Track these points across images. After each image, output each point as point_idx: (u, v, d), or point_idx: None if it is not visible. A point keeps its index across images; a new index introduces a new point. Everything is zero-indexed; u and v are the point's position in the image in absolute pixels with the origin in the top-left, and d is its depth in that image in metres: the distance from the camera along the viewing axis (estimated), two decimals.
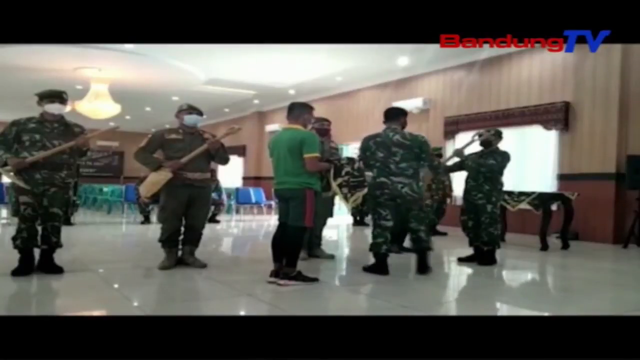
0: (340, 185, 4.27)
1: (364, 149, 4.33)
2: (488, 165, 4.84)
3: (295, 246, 3.77)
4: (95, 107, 11.22)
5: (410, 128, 10.89)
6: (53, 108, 3.81)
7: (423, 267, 4.22)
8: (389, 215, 4.19)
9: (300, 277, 3.70)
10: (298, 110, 3.84)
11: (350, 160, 4.82)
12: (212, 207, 8.24)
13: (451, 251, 5.74)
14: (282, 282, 3.64)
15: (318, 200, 4.31)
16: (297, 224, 3.69)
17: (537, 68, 8.00)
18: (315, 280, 3.78)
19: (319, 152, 3.76)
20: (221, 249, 6.25)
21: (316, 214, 4.72)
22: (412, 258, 5.25)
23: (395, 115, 4.37)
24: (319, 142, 3.86)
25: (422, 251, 4.24)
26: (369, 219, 9.56)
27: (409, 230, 4.32)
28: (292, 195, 3.72)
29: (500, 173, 4.92)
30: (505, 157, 4.93)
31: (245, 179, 15.97)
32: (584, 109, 7.36)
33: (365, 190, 4.43)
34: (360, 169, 4.45)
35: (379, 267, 4.17)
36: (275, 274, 3.75)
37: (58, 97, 3.82)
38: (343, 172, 4.29)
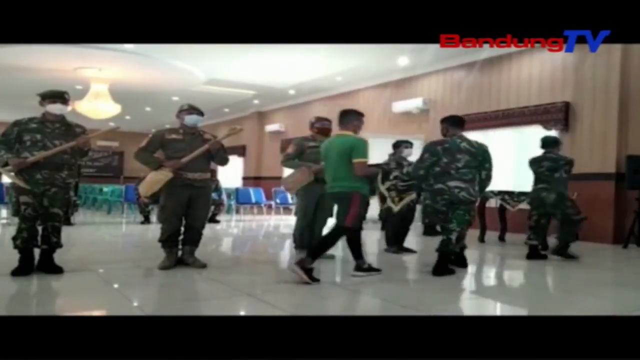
0: (388, 189, 4.42)
1: (432, 153, 4.38)
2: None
3: (325, 242, 4.00)
4: (95, 107, 11.23)
5: (410, 128, 10.84)
6: (55, 108, 3.81)
7: (439, 270, 4.20)
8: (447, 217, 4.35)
9: (309, 275, 3.76)
10: (348, 117, 4.10)
11: (399, 164, 4.95)
12: (212, 207, 8.24)
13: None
14: (296, 268, 3.76)
15: (323, 199, 4.60)
16: (340, 224, 3.94)
17: (537, 68, 7.99)
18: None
19: (368, 157, 3.95)
20: (221, 249, 6.25)
21: (319, 213, 4.82)
22: (412, 258, 5.27)
23: (462, 123, 4.57)
24: (365, 143, 3.97)
25: (445, 254, 4.24)
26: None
27: (443, 229, 4.35)
28: (341, 197, 3.95)
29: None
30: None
31: (245, 179, 15.97)
32: (584, 109, 7.36)
33: (414, 194, 4.54)
34: (409, 173, 4.56)
35: (458, 261, 4.45)
36: (358, 268, 4.04)
37: (60, 97, 3.82)
38: (391, 177, 4.46)
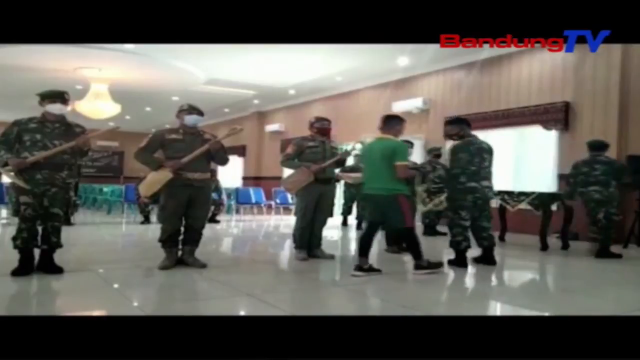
0: (424, 191, 4.80)
1: (469, 153, 4.57)
2: None
3: (410, 244, 4.18)
4: (95, 107, 11.22)
5: (410, 128, 10.85)
6: (54, 108, 3.81)
7: (491, 260, 4.69)
8: (467, 215, 4.59)
9: (432, 266, 4.18)
10: (392, 122, 4.23)
11: (433, 168, 5.22)
12: (212, 207, 8.24)
13: (451, 251, 5.72)
14: (416, 272, 4.12)
15: (322, 199, 4.80)
16: (401, 226, 4.09)
17: (537, 68, 7.99)
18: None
19: (409, 160, 4.18)
20: (221, 249, 6.25)
21: (319, 214, 4.90)
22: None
23: (469, 124, 4.82)
24: (406, 146, 4.21)
25: (490, 247, 4.68)
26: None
27: (479, 228, 4.65)
28: (385, 201, 4.07)
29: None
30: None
31: (245, 179, 15.97)
32: (584, 109, 7.36)
33: (445, 195, 4.77)
34: (441, 176, 4.79)
35: (459, 261, 4.58)
36: (359, 268, 4.06)
37: (60, 97, 3.82)
38: (426, 179, 4.73)
